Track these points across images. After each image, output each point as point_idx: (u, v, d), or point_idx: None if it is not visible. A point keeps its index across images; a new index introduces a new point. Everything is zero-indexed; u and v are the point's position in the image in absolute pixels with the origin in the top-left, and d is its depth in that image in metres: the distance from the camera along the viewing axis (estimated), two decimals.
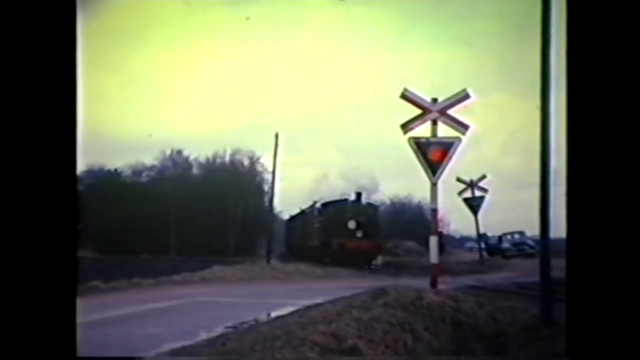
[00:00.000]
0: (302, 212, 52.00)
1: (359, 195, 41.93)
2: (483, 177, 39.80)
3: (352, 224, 39.22)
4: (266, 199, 57.73)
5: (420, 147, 13.67)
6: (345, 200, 42.38)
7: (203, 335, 10.85)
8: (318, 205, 44.67)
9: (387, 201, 64.55)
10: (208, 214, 63.14)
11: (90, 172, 57.31)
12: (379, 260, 39.58)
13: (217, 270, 28.93)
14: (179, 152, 69.53)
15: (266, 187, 63.01)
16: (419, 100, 13.80)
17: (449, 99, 13.78)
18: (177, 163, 69.97)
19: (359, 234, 39.26)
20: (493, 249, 47.35)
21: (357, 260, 36.68)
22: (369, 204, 42.72)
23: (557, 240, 11.62)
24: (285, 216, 68.46)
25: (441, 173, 13.77)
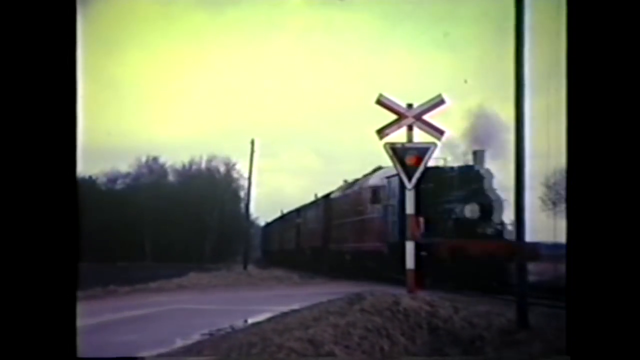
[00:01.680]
0: (326, 196, 34.27)
1: (476, 154, 22.63)
2: None
3: (471, 210, 21.72)
4: (242, 205, 57.77)
5: (397, 152, 13.72)
6: (451, 168, 23.36)
7: (179, 343, 10.80)
8: (375, 180, 26.23)
9: None
10: (184, 220, 62.99)
11: None
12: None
13: (193, 277, 28.87)
14: (155, 159, 69.49)
15: (242, 194, 63.19)
16: (394, 106, 13.83)
17: (424, 104, 13.83)
18: (152, 170, 69.82)
19: (489, 230, 21.77)
20: None
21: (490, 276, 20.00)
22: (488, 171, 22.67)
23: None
24: (262, 222, 68.31)
25: (417, 178, 13.82)
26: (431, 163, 15.45)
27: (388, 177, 24.55)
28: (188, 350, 9.98)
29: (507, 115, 12.07)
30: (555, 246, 12.87)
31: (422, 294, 12.39)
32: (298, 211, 41.75)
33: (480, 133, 22.71)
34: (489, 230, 21.96)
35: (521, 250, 10.58)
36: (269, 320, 12.70)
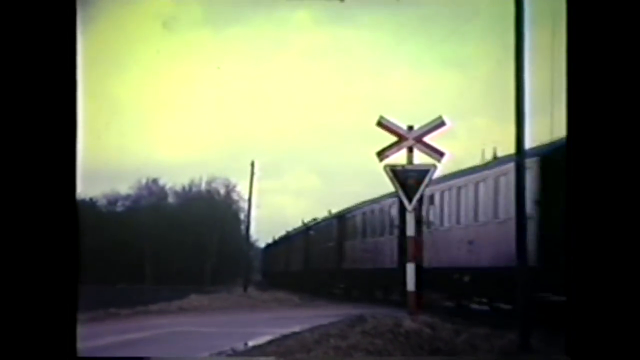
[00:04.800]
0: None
1: None
2: None
3: None
4: (242, 227, 57.71)
5: (397, 174, 13.71)
6: None
7: None
8: None
9: None
10: (184, 242, 62.83)
11: None
12: None
13: (193, 299, 28.80)
14: (155, 180, 69.47)
15: (242, 215, 63.11)
16: (394, 128, 13.85)
17: (424, 126, 13.85)
18: (152, 192, 69.77)
19: None
20: None
21: None
22: None
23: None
24: (262, 244, 68.13)
25: (418, 200, 13.81)
26: None
27: None
28: None
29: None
30: None
31: (424, 316, 12.36)
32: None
33: None
34: None
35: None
36: (270, 343, 12.65)
